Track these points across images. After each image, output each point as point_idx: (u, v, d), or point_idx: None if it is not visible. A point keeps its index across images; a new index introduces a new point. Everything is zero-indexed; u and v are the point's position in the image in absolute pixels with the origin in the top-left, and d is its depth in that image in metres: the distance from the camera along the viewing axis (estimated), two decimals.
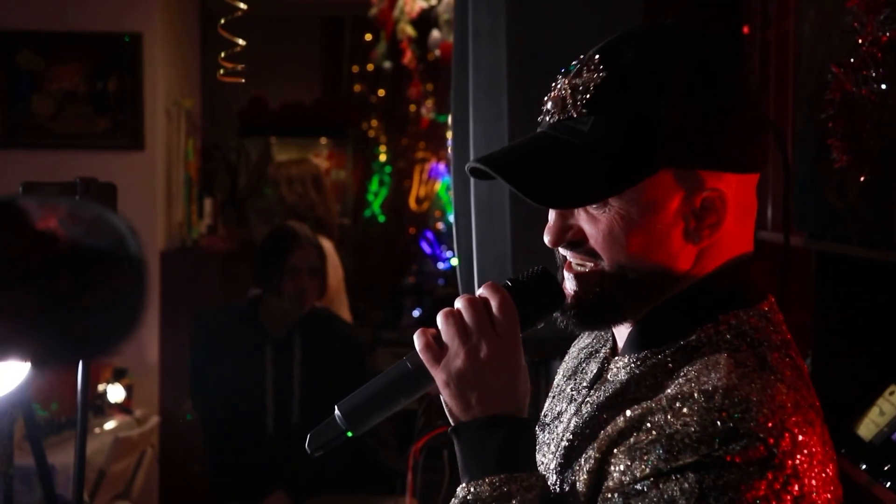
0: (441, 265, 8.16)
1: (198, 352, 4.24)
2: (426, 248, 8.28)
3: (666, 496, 1.11)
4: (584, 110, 1.21)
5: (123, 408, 4.70)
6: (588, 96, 1.21)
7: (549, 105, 1.26)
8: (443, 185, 8.39)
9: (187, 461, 5.01)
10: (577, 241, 1.25)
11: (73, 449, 4.02)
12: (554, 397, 1.44)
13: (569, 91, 1.23)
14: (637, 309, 1.27)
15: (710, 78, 1.21)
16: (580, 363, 1.42)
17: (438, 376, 1.25)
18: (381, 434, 4.71)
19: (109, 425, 4.49)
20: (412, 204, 8.60)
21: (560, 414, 1.38)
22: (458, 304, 1.27)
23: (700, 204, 1.21)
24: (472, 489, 1.22)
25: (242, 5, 2.60)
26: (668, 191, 1.21)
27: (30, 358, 0.68)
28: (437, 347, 1.26)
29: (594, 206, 1.23)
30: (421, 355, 1.27)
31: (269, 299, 4.14)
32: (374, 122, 8.61)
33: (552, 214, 1.27)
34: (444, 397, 1.26)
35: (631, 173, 1.20)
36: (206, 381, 4.15)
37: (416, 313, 7.72)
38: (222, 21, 2.70)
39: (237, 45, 2.76)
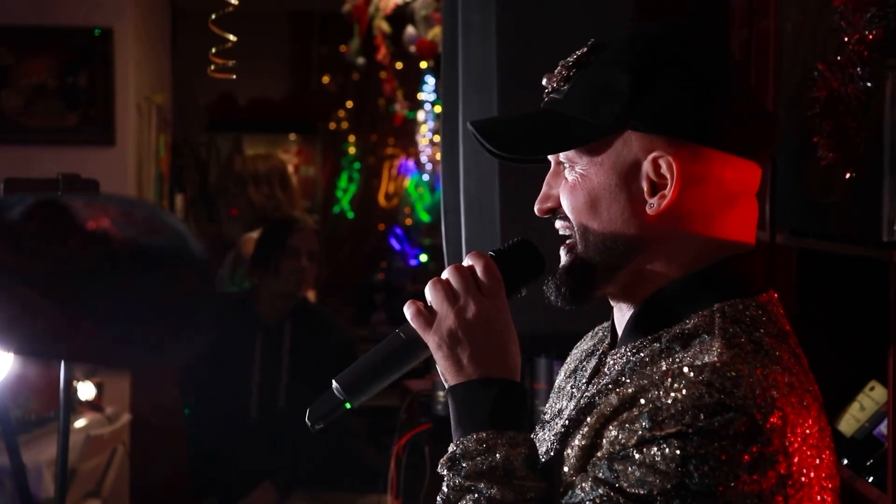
0: (411, 261, 8.15)
1: None
2: (395, 244, 8.27)
3: (648, 461, 1.13)
4: (563, 83, 1.29)
5: (94, 405, 4.65)
6: (567, 71, 1.29)
7: (544, 81, 1.34)
8: (412, 181, 8.38)
9: (159, 459, 4.98)
10: (556, 209, 1.32)
11: (44, 448, 3.97)
12: (554, 396, 1.46)
13: (559, 68, 1.31)
14: (607, 281, 1.30)
15: (686, 53, 1.26)
16: (580, 363, 1.44)
17: (430, 340, 1.29)
18: (356, 432, 4.71)
19: (80, 423, 4.44)
20: (381, 200, 8.58)
21: (560, 412, 1.40)
22: (446, 273, 1.32)
23: (653, 167, 1.24)
24: (460, 444, 1.25)
25: (234, 0, 2.59)
26: (625, 152, 1.26)
27: (91, 361, 0.66)
28: (427, 314, 1.30)
29: (569, 172, 1.29)
30: (412, 322, 1.31)
31: (265, 283, 4.16)
32: (343, 118, 8.58)
33: (544, 184, 1.34)
34: (438, 360, 1.30)
35: (585, 132, 1.26)
36: (195, 370, 4.13)
37: (384, 312, 7.70)
38: (213, 17, 2.68)
39: (229, 40, 2.75)
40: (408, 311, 1.31)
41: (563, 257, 1.32)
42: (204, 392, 4.13)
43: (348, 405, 1.32)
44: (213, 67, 2.78)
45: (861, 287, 2.39)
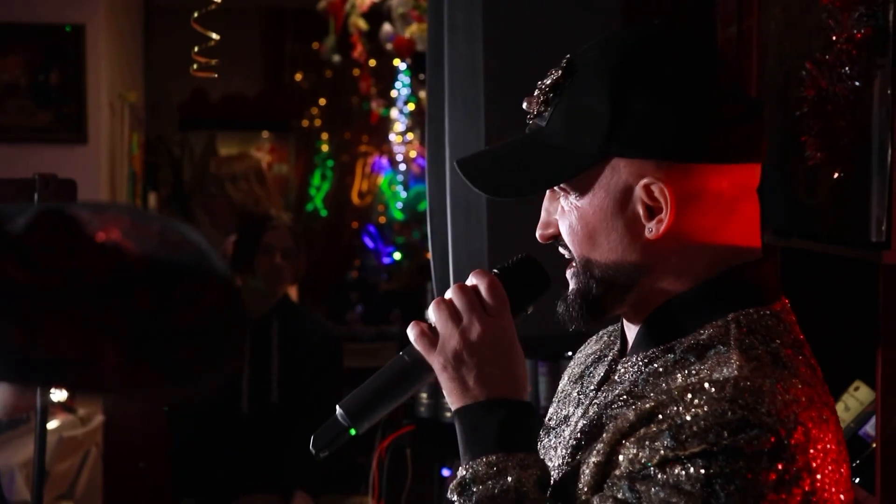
0: (384, 259, 8.12)
1: None
2: (369, 242, 8.24)
3: (672, 481, 1.10)
4: (543, 109, 1.26)
5: (67, 407, 4.60)
6: (546, 95, 1.26)
7: (525, 105, 1.30)
8: (385, 179, 8.35)
9: (133, 460, 4.93)
10: (557, 237, 1.29)
11: (17, 450, 3.92)
12: (559, 402, 1.43)
13: (537, 92, 1.28)
14: (616, 303, 1.28)
15: (665, 66, 1.22)
16: (587, 368, 1.41)
17: (435, 362, 1.26)
18: None
19: (52, 424, 4.39)
20: (355, 198, 8.54)
21: (567, 418, 1.37)
22: (449, 293, 1.29)
23: (645, 193, 1.22)
24: (469, 468, 1.22)
25: None
26: (615, 179, 1.23)
27: (115, 391, 0.61)
28: (431, 335, 1.27)
29: (563, 200, 1.26)
30: (416, 344, 1.28)
31: (245, 280, 4.17)
32: (316, 113, 8.54)
33: (542, 210, 1.31)
34: (443, 382, 1.27)
35: (573, 163, 1.23)
36: None
37: (359, 308, 7.67)
38: (195, 14, 2.64)
39: (211, 39, 2.70)
40: (411, 332, 1.28)
41: (571, 281, 1.30)
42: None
43: (353, 431, 1.29)
44: (195, 66, 2.74)
45: (843, 287, 2.39)
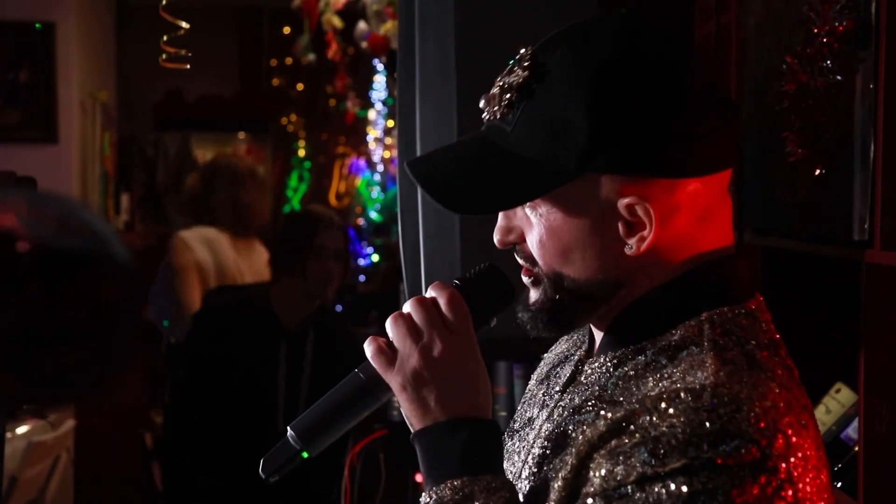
0: (361, 261, 8.08)
1: (200, 344, 3.95)
2: None
3: (652, 499, 1.05)
4: (507, 111, 1.18)
5: (37, 411, 4.53)
6: (511, 96, 1.18)
7: (482, 103, 1.22)
8: (363, 180, 8.31)
9: (105, 466, 4.86)
10: (519, 244, 1.22)
11: None
12: (525, 403, 1.37)
13: (497, 91, 1.20)
14: (588, 315, 1.22)
15: (645, 76, 1.14)
16: (553, 367, 1.35)
17: (394, 381, 1.19)
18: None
19: (22, 430, 4.32)
20: (332, 200, 8.50)
21: (531, 420, 1.31)
22: (407, 306, 1.22)
23: (628, 211, 1.15)
24: (434, 494, 1.15)
25: None
26: (593, 197, 1.16)
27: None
28: (389, 352, 1.20)
29: (529, 209, 1.19)
30: (373, 362, 1.21)
31: (286, 283, 3.88)
32: (294, 117, 8.49)
33: (500, 213, 1.24)
34: (402, 403, 1.20)
35: (546, 179, 1.15)
36: (209, 376, 3.90)
37: (337, 309, 7.63)
38: (163, 2, 2.56)
39: (181, 27, 2.63)
40: (368, 348, 1.21)
41: (532, 291, 1.23)
42: (223, 400, 3.87)
43: (305, 454, 1.22)
44: (164, 57, 2.66)
45: (825, 287, 2.35)
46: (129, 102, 6.74)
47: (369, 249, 7.98)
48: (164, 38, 2.63)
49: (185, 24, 2.59)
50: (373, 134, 7.48)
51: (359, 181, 8.38)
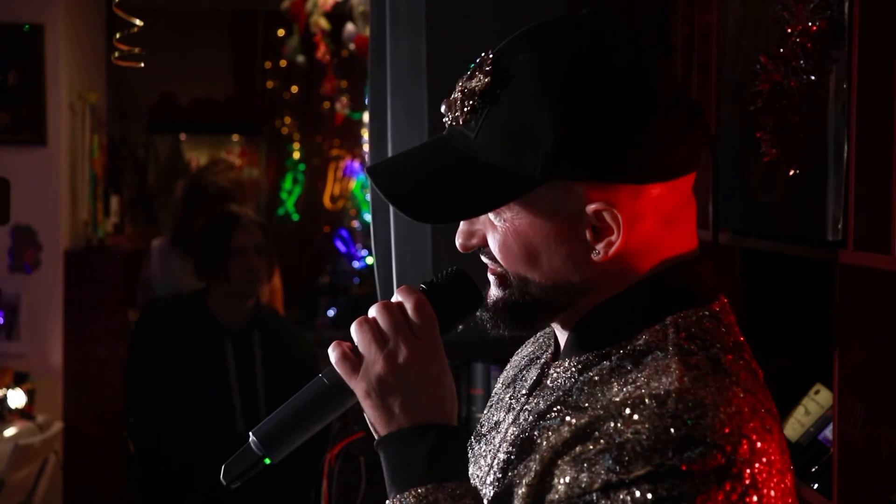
0: (356, 264, 8.07)
1: (143, 351, 4.00)
2: (341, 246, 8.19)
3: None
4: (469, 117, 1.16)
5: (25, 413, 4.54)
6: (473, 102, 1.16)
7: (443, 108, 1.20)
8: (357, 183, 8.30)
9: (93, 468, 4.85)
10: (483, 247, 1.21)
11: None
12: (492, 406, 1.36)
13: (459, 96, 1.18)
14: (549, 318, 1.21)
15: (610, 81, 1.12)
16: (520, 371, 1.34)
17: (358, 387, 1.17)
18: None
19: (10, 432, 4.32)
20: (327, 202, 8.49)
21: (497, 424, 1.30)
22: (373, 311, 1.20)
23: (595, 217, 1.14)
24: (398, 503, 1.13)
25: None
26: (559, 203, 1.14)
27: None
28: (353, 357, 1.18)
29: (493, 213, 1.18)
30: (337, 367, 1.19)
31: (216, 288, 3.91)
32: (288, 119, 8.48)
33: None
34: (366, 410, 1.18)
35: (512, 186, 1.14)
36: (157, 382, 3.91)
37: (330, 312, 7.62)
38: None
39: (134, 25, 2.61)
40: (332, 354, 1.19)
41: (495, 290, 1.21)
42: (172, 402, 3.87)
43: (268, 461, 1.20)
44: (116, 55, 2.64)
45: (805, 288, 2.34)
46: (122, 105, 6.73)
47: (363, 252, 7.97)
48: (117, 35, 2.62)
49: (138, 22, 2.57)
50: (367, 136, 7.47)
51: (353, 184, 8.37)
